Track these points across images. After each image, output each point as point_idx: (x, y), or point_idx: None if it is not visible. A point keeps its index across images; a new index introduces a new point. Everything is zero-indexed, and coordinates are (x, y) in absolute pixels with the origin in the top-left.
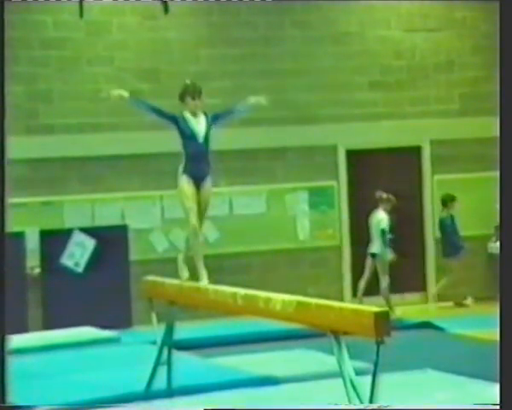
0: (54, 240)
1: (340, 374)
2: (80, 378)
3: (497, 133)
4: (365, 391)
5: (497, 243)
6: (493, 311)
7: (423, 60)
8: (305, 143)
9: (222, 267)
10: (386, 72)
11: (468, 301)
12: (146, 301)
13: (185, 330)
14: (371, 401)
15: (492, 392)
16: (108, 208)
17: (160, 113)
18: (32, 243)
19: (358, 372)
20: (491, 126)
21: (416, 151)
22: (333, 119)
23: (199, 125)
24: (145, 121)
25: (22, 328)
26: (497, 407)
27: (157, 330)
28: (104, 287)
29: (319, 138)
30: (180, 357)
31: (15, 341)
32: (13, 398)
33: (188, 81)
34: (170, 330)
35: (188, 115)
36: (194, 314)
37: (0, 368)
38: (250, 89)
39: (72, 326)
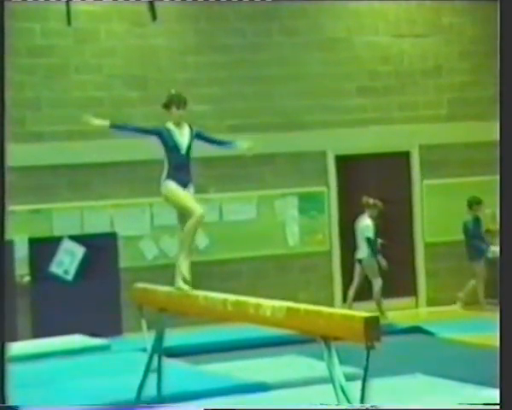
0: (43, 248)
1: (330, 380)
2: (70, 386)
3: (494, 137)
4: (355, 396)
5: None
6: (482, 315)
7: (411, 65)
8: (295, 149)
9: (212, 274)
10: (375, 77)
11: (458, 305)
12: (136, 308)
13: (175, 337)
14: None
15: (482, 396)
16: (97, 216)
17: (143, 131)
18: (21, 251)
19: (349, 378)
20: (480, 131)
21: (404, 156)
22: (322, 125)
23: (182, 136)
24: None
25: (11, 336)
26: (497, 408)
27: (147, 338)
28: (94, 295)
29: (308, 144)
30: (170, 364)
31: None
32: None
33: (173, 91)
34: (160, 338)
35: (172, 127)
36: (184, 321)
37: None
38: (238, 95)
39: (62, 334)
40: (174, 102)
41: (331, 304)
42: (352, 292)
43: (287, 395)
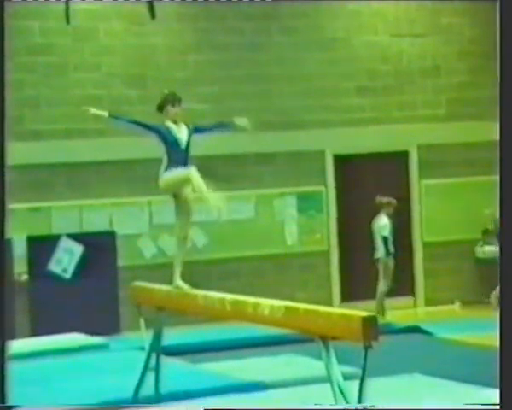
0: (41, 246)
1: (328, 379)
2: (68, 385)
3: (492, 137)
4: (353, 396)
5: (485, 248)
6: (481, 315)
7: (410, 65)
8: (293, 148)
9: (210, 273)
10: (373, 77)
11: (456, 305)
12: (134, 306)
13: (174, 335)
14: None
15: (480, 396)
16: (96, 214)
17: (141, 126)
18: (20, 249)
19: (346, 377)
20: (478, 131)
21: (403, 156)
22: (320, 124)
23: (181, 133)
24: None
25: (9, 335)
26: (497, 408)
27: (145, 336)
28: (92, 293)
29: (307, 144)
30: (168, 363)
31: None
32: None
33: (166, 90)
34: (158, 336)
35: (170, 124)
36: (182, 320)
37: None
38: (237, 94)
39: (61, 333)
40: (169, 101)
41: (329, 303)
42: (379, 291)
43: (285, 394)
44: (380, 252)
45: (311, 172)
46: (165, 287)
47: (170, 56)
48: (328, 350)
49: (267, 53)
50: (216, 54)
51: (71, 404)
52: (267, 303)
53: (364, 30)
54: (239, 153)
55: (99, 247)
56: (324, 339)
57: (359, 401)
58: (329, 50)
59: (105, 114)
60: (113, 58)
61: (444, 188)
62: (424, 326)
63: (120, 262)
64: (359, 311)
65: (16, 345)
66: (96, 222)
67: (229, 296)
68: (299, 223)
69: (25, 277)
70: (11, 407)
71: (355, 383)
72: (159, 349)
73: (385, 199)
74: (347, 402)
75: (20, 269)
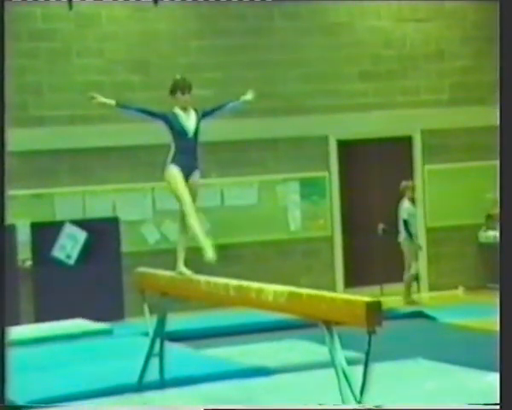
0: (45, 232)
1: (331, 364)
2: (72, 371)
3: (495, 122)
4: (357, 381)
5: (488, 232)
6: (484, 300)
7: (413, 50)
8: (296, 133)
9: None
10: (377, 62)
11: (460, 290)
12: (138, 292)
13: (177, 321)
14: (363, 391)
15: (483, 381)
16: (99, 200)
17: (149, 113)
18: (23, 235)
19: (350, 362)
20: (482, 116)
21: (406, 141)
22: (323, 109)
23: (189, 120)
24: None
25: (14, 321)
26: (497, 408)
27: (149, 322)
28: (96, 279)
29: (310, 129)
30: (172, 348)
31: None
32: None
33: (178, 76)
34: (162, 322)
35: (178, 111)
36: (186, 306)
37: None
38: (240, 80)
39: (64, 319)
40: (179, 87)
41: (333, 289)
42: (406, 276)
43: (288, 379)
44: (401, 235)
45: (314, 157)
46: (168, 273)
47: (173, 42)
48: (331, 335)
49: (270, 38)
50: (219, 39)
51: (74, 391)
52: (271, 289)
53: (368, 15)
54: (242, 139)
55: (102, 233)
56: (328, 324)
57: (363, 386)
58: (332, 35)
59: (112, 102)
60: (116, 44)
61: (447, 173)
62: (427, 311)
63: (124, 248)
64: (363, 296)
65: (20, 331)
66: (99, 208)
67: (232, 282)
68: (303, 208)
69: (28, 263)
70: (12, 407)
71: (359, 368)
72: (162, 335)
73: (404, 183)
74: (351, 387)
75: (23, 255)
